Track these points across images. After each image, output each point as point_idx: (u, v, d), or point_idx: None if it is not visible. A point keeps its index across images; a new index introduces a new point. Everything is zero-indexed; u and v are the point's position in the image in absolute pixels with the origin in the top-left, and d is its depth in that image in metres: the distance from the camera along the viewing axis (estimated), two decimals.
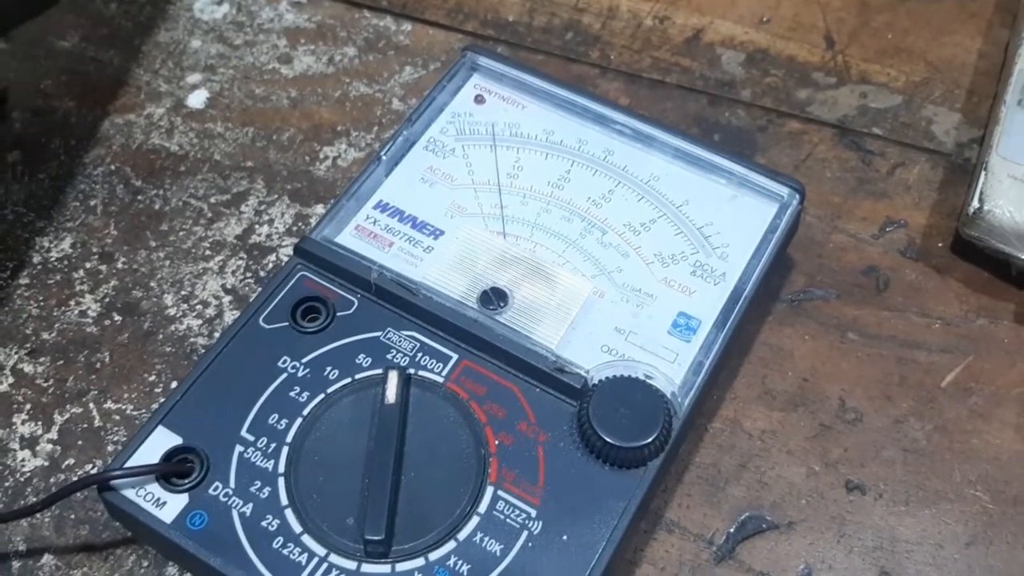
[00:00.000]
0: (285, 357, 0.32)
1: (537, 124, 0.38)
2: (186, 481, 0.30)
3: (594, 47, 0.47)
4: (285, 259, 0.40)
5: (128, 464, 0.30)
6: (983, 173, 0.39)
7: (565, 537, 0.29)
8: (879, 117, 0.45)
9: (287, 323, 0.33)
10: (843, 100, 0.45)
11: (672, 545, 0.34)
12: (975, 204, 0.38)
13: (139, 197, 0.41)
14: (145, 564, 0.33)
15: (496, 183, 0.37)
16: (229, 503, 0.29)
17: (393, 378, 0.31)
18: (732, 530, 0.34)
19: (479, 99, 0.39)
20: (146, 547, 0.33)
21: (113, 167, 0.42)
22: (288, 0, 0.48)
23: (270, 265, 0.40)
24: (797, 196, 0.36)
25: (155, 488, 0.30)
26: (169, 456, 0.30)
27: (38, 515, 0.33)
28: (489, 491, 0.30)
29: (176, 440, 0.30)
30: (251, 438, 0.30)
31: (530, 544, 0.29)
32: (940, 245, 0.41)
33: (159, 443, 0.30)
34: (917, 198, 0.42)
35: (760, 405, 0.37)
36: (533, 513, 0.30)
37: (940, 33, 0.48)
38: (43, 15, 0.47)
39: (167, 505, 0.29)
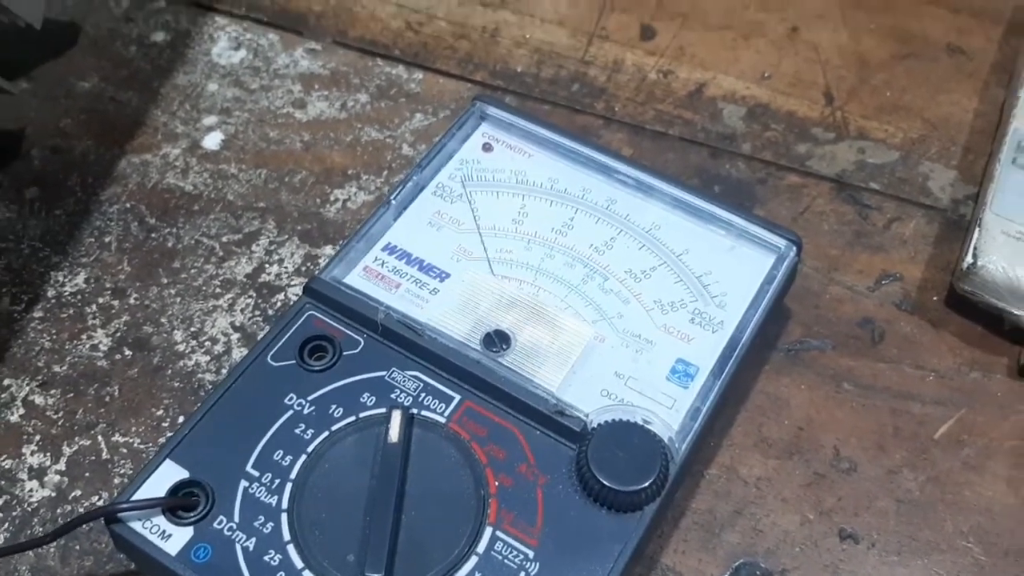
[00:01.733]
0: (291, 394, 0.33)
1: (542, 172, 0.39)
2: (191, 514, 0.30)
3: (599, 99, 0.48)
4: (293, 298, 0.40)
5: (135, 497, 0.30)
6: (977, 229, 0.40)
7: None
8: (876, 172, 0.46)
9: (294, 361, 0.34)
10: (841, 155, 0.46)
11: None
12: (969, 259, 0.39)
13: (153, 235, 0.42)
14: None
15: (501, 229, 0.38)
16: (233, 537, 0.30)
17: (396, 418, 0.32)
18: None
19: (487, 147, 0.40)
20: None
21: (128, 205, 0.43)
22: (304, 47, 0.49)
23: (278, 304, 0.40)
24: (794, 248, 0.37)
25: (161, 520, 0.30)
26: (175, 490, 0.31)
27: (43, 546, 0.34)
28: (488, 531, 0.30)
29: (183, 474, 0.31)
30: (256, 473, 0.31)
31: None
32: (935, 299, 0.42)
33: (166, 476, 0.31)
34: (913, 252, 0.43)
35: (756, 452, 0.37)
36: (531, 554, 0.30)
37: (937, 92, 0.49)
38: (65, 56, 0.49)
39: (172, 538, 0.30)
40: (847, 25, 0.52)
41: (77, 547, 0.34)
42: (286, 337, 0.34)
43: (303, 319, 0.35)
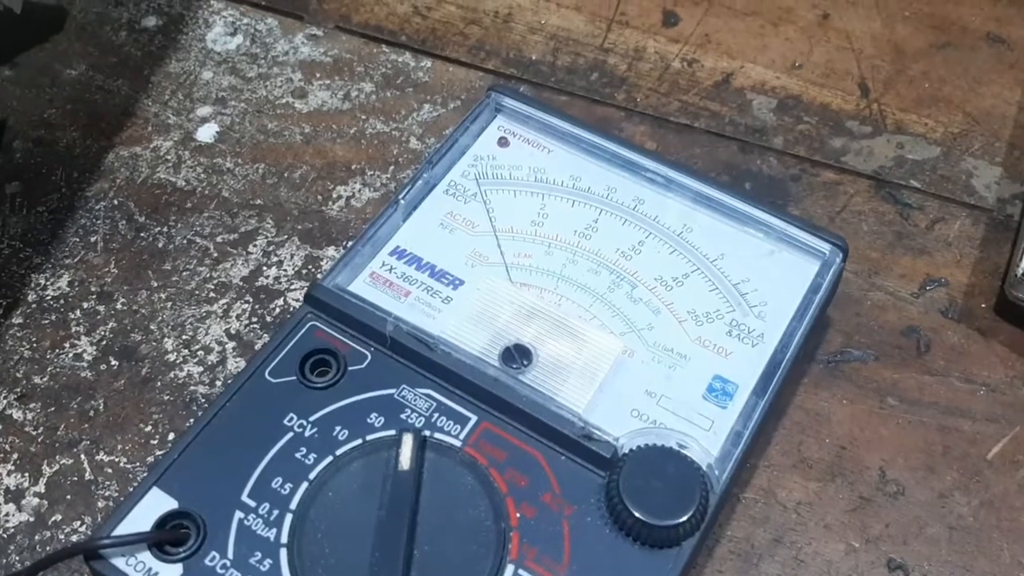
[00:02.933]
0: (291, 414, 0.30)
1: (564, 169, 0.36)
2: (181, 550, 0.27)
3: (620, 89, 0.45)
4: (294, 303, 0.38)
5: (118, 530, 0.27)
6: None
7: None
8: (917, 169, 0.43)
9: (295, 377, 0.31)
10: (879, 150, 0.43)
11: None
12: (1023, 266, 0.36)
13: (142, 234, 0.39)
14: None
15: (519, 231, 0.35)
16: (226, 575, 0.27)
17: (408, 442, 0.29)
18: None
19: (503, 142, 0.37)
20: None
21: (116, 201, 0.40)
22: (304, 33, 0.46)
23: (277, 310, 0.37)
24: (840, 253, 0.34)
25: (147, 557, 0.27)
26: (163, 522, 0.28)
27: None
28: (509, 569, 0.28)
29: (171, 504, 0.28)
30: (252, 503, 0.28)
31: None
32: (983, 306, 0.39)
33: (152, 507, 0.28)
34: (958, 255, 0.40)
35: (796, 475, 0.34)
36: None
37: (977, 83, 0.46)
38: (50, 42, 0.45)
39: None
40: (880, 12, 0.48)
41: None
42: (286, 350, 0.31)
43: (304, 330, 0.32)
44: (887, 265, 0.40)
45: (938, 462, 0.35)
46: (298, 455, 0.29)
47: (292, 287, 0.38)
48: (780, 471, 0.34)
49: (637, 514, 0.28)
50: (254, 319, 0.37)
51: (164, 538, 0.27)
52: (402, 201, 0.35)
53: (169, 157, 0.42)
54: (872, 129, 0.44)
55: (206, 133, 0.43)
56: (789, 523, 0.33)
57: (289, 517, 0.28)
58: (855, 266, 0.39)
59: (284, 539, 0.28)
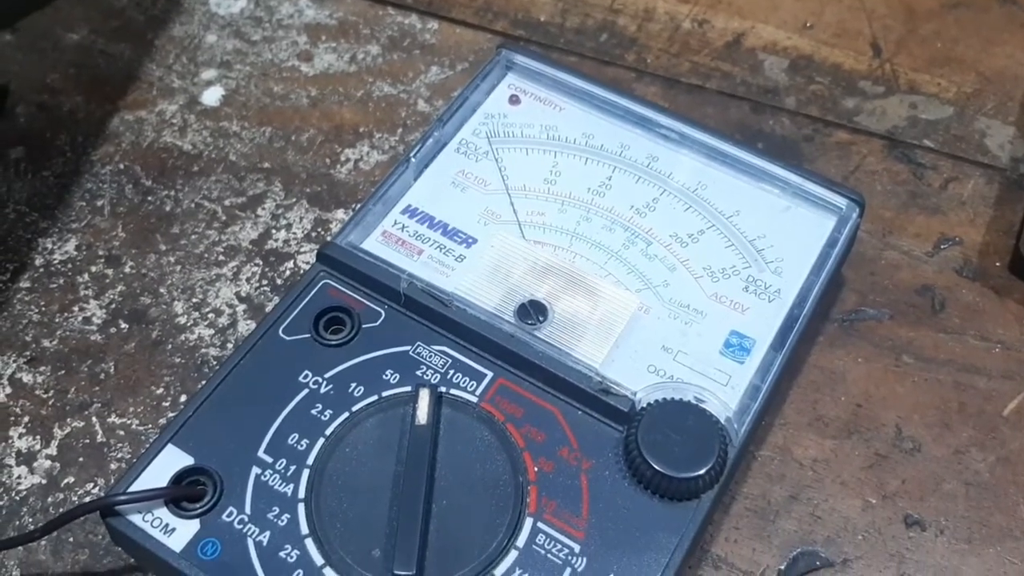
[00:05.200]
0: (306, 371, 0.30)
1: (576, 127, 0.36)
2: (197, 506, 0.27)
3: (630, 50, 0.44)
4: (303, 266, 0.37)
5: (134, 487, 0.27)
6: None
7: (612, 575, 0.27)
8: (930, 129, 0.42)
9: (309, 335, 0.30)
10: (892, 110, 0.43)
11: None
12: None
13: (149, 198, 0.39)
14: None
15: (532, 189, 0.34)
16: (244, 531, 0.27)
17: (424, 397, 0.28)
18: (783, 567, 0.31)
19: (514, 99, 0.37)
20: (150, 575, 0.31)
21: (122, 166, 0.40)
22: None
23: (287, 272, 0.37)
24: (857, 208, 0.34)
25: (163, 513, 0.27)
26: (179, 478, 0.28)
27: (33, 542, 0.31)
28: (528, 523, 0.27)
29: (187, 460, 0.28)
30: (269, 459, 0.28)
31: None
32: (998, 264, 0.39)
33: (168, 464, 0.28)
34: (972, 214, 0.40)
35: (811, 432, 0.34)
36: (577, 548, 0.27)
37: (990, 43, 0.46)
38: (51, 6, 0.45)
39: (176, 532, 0.27)
40: None
41: (71, 539, 0.31)
42: (299, 308, 0.31)
43: (317, 288, 0.31)
44: (901, 224, 0.40)
45: (954, 419, 0.35)
46: (314, 411, 0.29)
47: (301, 250, 0.38)
48: (796, 429, 0.34)
49: (656, 466, 0.27)
50: (264, 282, 0.37)
51: (181, 494, 0.27)
52: (413, 160, 0.34)
53: (175, 121, 0.41)
54: (885, 89, 0.44)
55: (211, 97, 0.42)
56: (805, 480, 0.33)
57: (306, 473, 0.28)
58: (869, 226, 0.39)
59: (302, 494, 0.27)
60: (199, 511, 0.27)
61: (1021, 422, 0.35)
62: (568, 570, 0.27)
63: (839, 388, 0.35)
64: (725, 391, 0.30)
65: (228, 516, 0.27)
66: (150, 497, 0.27)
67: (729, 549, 0.32)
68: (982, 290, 0.38)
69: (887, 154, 0.42)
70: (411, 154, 0.35)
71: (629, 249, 0.33)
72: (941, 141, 0.42)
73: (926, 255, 0.39)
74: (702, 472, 0.28)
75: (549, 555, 0.27)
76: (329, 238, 0.33)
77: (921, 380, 0.36)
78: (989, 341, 0.37)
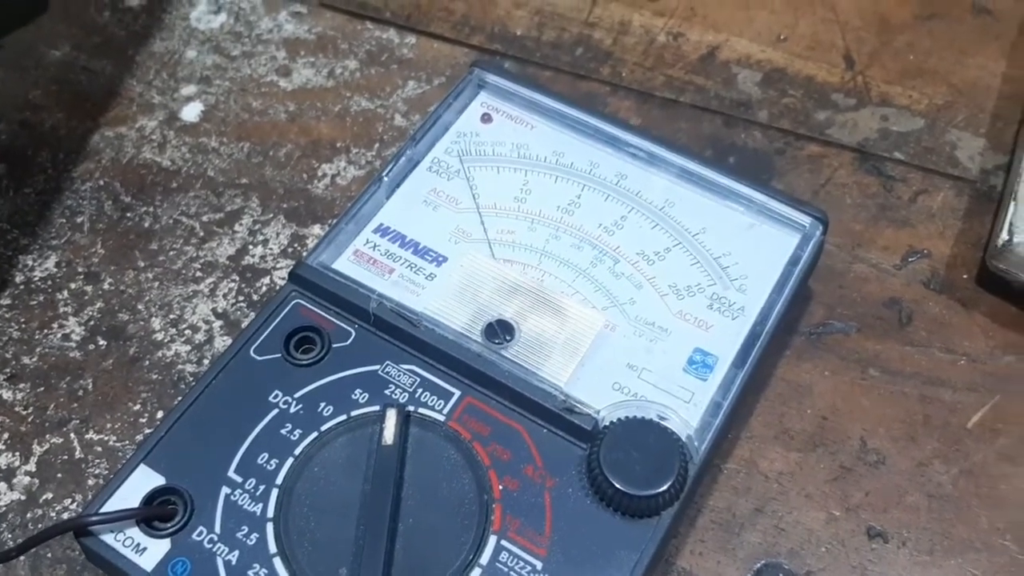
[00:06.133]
0: (277, 391, 0.30)
1: (547, 145, 0.36)
2: (168, 525, 0.28)
3: (605, 64, 0.45)
4: (280, 282, 0.38)
5: (107, 507, 0.28)
6: (1012, 203, 0.37)
7: None
8: (901, 141, 0.43)
9: (280, 354, 0.31)
10: (864, 123, 0.43)
11: None
12: (1004, 236, 0.37)
13: (128, 214, 0.40)
14: None
15: (502, 208, 0.35)
16: (214, 550, 0.27)
17: (392, 417, 0.29)
18: None
19: (486, 118, 0.37)
20: None
21: (102, 182, 0.40)
22: (288, 10, 0.46)
23: (263, 288, 0.38)
24: (820, 226, 0.34)
25: (135, 533, 0.28)
26: (151, 498, 0.28)
27: (9, 561, 0.31)
28: (492, 540, 0.28)
29: (158, 480, 0.28)
30: (239, 479, 0.29)
31: None
32: (965, 277, 0.39)
33: (140, 484, 0.28)
34: (941, 227, 0.41)
35: (777, 445, 0.35)
36: (539, 565, 0.28)
37: (963, 55, 0.46)
38: (34, 23, 0.45)
39: (148, 551, 0.27)
40: None
41: (49, 555, 0.32)
42: (271, 328, 0.32)
43: (289, 308, 0.32)
44: (870, 237, 0.40)
45: (919, 431, 0.35)
46: (283, 431, 0.29)
47: (278, 265, 0.38)
48: (762, 442, 0.35)
49: (617, 485, 0.28)
50: (240, 298, 0.37)
51: (152, 514, 0.28)
52: (385, 178, 0.35)
53: (154, 137, 0.42)
54: (857, 101, 0.44)
55: (191, 112, 0.43)
56: (771, 493, 0.34)
57: (275, 492, 0.28)
58: (838, 239, 0.40)
59: (270, 514, 0.28)
60: (170, 531, 0.28)
61: (985, 435, 0.35)
62: None
63: (805, 401, 0.36)
64: (688, 408, 0.30)
65: (198, 535, 0.28)
66: (122, 518, 0.27)
67: (694, 562, 0.32)
68: (949, 303, 0.39)
69: (858, 167, 0.42)
70: (383, 173, 0.35)
71: (597, 267, 0.33)
72: (912, 153, 0.43)
73: (894, 268, 0.39)
74: (662, 489, 0.28)
75: (512, 572, 0.27)
76: (304, 254, 0.34)
77: (887, 393, 0.36)
78: (955, 354, 0.37)
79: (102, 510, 0.28)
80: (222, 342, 0.36)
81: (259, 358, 0.31)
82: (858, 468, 0.34)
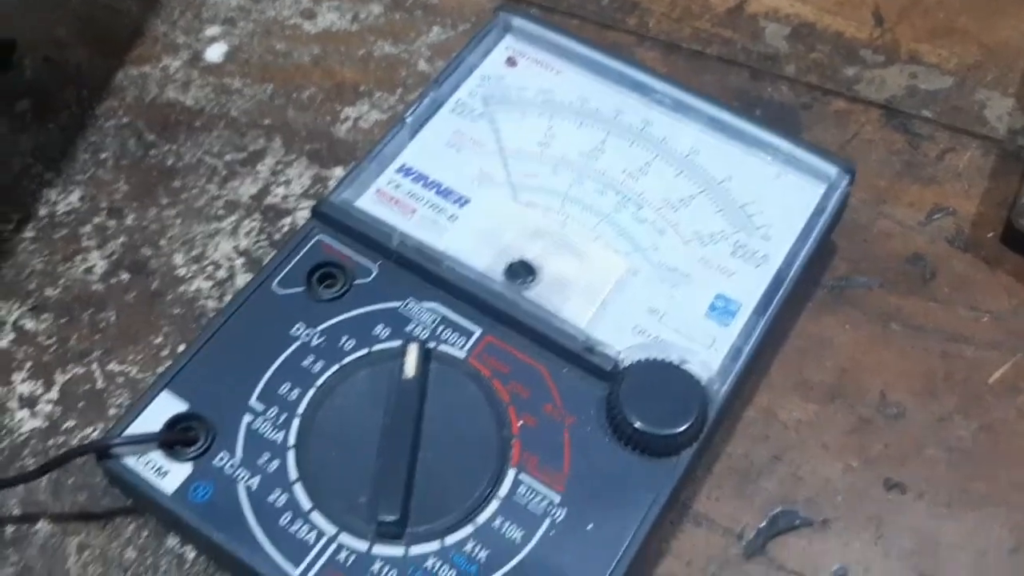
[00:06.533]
0: (299, 324, 0.30)
1: (572, 90, 0.36)
2: (190, 450, 0.28)
3: (631, 14, 0.44)
4: (301, 222, 0.38)
5: (130, 430, 0.28)
6: None
7: (590, 527, 0.27)
8: (929, 99, 0.42)
9: (302, 288, 0.31)
10: (892, 80, 0.43)
11: (699, 538, 0.32)
12: None
13: (152, 152, 0.40)
14: (145, 534, 0.31)
15: (526, 151, 0.35)
16: (235, 475, 0.28)
17: (413, 351, 0.29)
18: (763, 525, 0.32)
19: (511, 62, 0.37)
20: (146, 516, 0.32)
21: (126, 120, 0.40)
22: None
23: (285, 228, 0.38)
24: (847, 177, 0.34)
25: (157, 456, 0.28)
26: (173, 423, 0.28)
27: (31, 481, 0.32)
28: (510, 474, 0.28)
29: (181, 406, 0.29)
30: (261, 407, 0.29)
31: (552, 532, 0.27)
32: (990, 235, 0.39)
33: (163, 409, 0.29)
34: (967, 185, 0.40)
35: (796, 395, 0.35)
36: (557, 499, 0.28)
37: (993, 15, 0.45)
38: None
39: (169, 475, 0.28)
40: None
41: (70, 481, 0.32)
42: (293, 263, 0.32)
43: (311, 244, 0.32)
44: (895, 194, 0.40)
45: (939, 386, 0.35)
46: (305, 363, 0.30)
47: (300, 206, 0.38)
48: (781, 392, 0.35)
49: (637, 423, 0.28)
50: (262, 236, 0.37)
51: (174, 438, 0.28)
52: (408, 119, 0.35)
53: (178, 76, 0.42)
54: (885, 59, 0.44)
55: (215, 53, 0.43)
56: (788, 442, 0.34)
57: (297, 421, 0.29)
58: (863, 194, 0.39)
59: (292, 442, 0.28)
60: (192, 455, 0.28)
61: (1006, 391, 0.35)
62: (547, 520, 0.27)
63: (826, 353, 0.36)
64: (708, 353, 0.30)
65: (219, 461, 0.28)
66: (144, 440, 0.28)
67: (711, 506, 0.32)
68: (973, 261, 0.38)
69: (884, 123, 0.42)
70: (407, 114, 0.35)
71: (620, 212, 0.33)
72: (939, 112, 0.42)
73: (919, 225, 0.39)
74: (682, 430, 0.28)
75: (529, 505, 0.28)
76: (326, 194, 0.34)
77: (908, 348, 0.36)
78: (978, 311, 0.37)
79: (125, 433, 0.28)
80: (244, 279, 0.36)
81: (281, 291, 0.31)
82: (877, 421, 0.34)
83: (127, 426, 0.28)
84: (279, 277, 0.31)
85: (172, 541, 0.31)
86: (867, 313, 0.37)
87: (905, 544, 0.32)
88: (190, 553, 0.31)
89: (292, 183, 0.39)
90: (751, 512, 0.32)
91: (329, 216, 0.32)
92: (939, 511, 0.33)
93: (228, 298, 0.36)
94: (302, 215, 0.38)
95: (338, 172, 0.39)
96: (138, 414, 0.28)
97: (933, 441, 0.34)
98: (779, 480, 0.33)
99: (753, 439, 0.34)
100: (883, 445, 0.34)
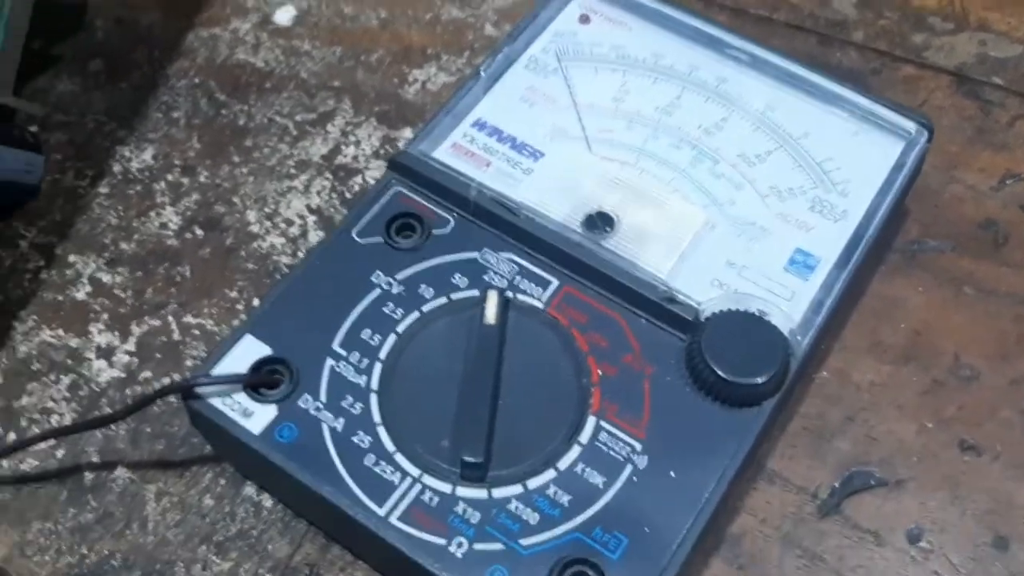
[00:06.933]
0: (378, 272, 0.31)
1: (645, 47, 0.36)
2: (274, 392, 0.28)
3: None
4: (372, 181, 0.38)
5: (215, 372, 0.28)
6: None
7: (672, 474, 0.27)
8: (999, 67, 0.42)
9: (381, 238, 0.31)
10: (961, 47, 0.42)
11: (774, 496, 0.32)
12: None
13: (223, 112, 0.40)
14: (222, 482, 0.32)
15: (600, 107, 0.34)
16: (319, 417, 0.28)
17: (493, 298, 0.29)
18: (838, 484, 0.32)
19: (584, 18, 0.37)
20: (223, 465, 0.32)
21: (197, 80, 0.41)
22: None
23: (356, 187, 0.38)
24: (925, 133, 0.34)
25: (242, 398, 0.28)
26: (257, 367, 0.29)
27: (113, 427, 0.32)
28: (591, 421, 0.28)
29: (265, 350, 0.29)
30: (343, 352, 0.29)
31: (635, 479, 0.27)
32: None
33: (247, 352, 0.29)
34: None
35: (869, 357, 0.34)
36: (638, 447, 0.28)
37: None
38: None
39: (255, 416, 0.28)
40: None
41: (148, 429, 0.33)
42: (372, 213, 0.32)
43: (389, 195, 0.32)
44: (966, 159, 0.39)
45: (1012, 350, 0.35)
46: (386, 310, 0.30)
47: (370, 166, 0.39)
48: (854, 353, 0.34)
49: (720, 372, 0.28)
50: (334, 195, 0.38)
51: (259, 380, 0.28)
52: (483, 74, 0.35)
53: (248, 39, 0.42)
54: (954, 26, 0.43)
55: (284, 16, 0.43)
56: (862, 403, 0.34)
57: (379, 366, 0.29)
58: (934, 159, 0.39)
59: (375, 386, 0.28)
60: (277, 397, 0.28)
61: None
62: (629, 467, 0.27)
63: (898, 316, 0.35)
64: (789, 305, 0.30)
65: (304, 403, 0.28)
66: (230, 381, 0.28)
67: (784, 465, 0.32)
68: None
69: (954, 90, 0.41)
70: (481, 68, 0.35)
71: (696, 167, 0.33)
72: (1010, 79, 0.42)
73: (991, 190, 0.39)
74: (764, 379, 0.28)
75: (611, 452, 0.28)
76: (403, 147, 0.34)
77: (981, 311, 0.36)
78: None
79: (211, 373, 0.28)
80: (316, 236, 0.37)
81: (361, 240, 0.31)
82: (951, 383, 0.34)
83: (212, 367, 0.29)
84: (359, 226, 0.31)
85: (249, 489, 0.32)
86: (939, 277, 0.36)
87: (981, 505, 0.32)
88: (267, 501, 0.31)
89: (362, 143, 0.39)
90: (825, 471, 0.32)
91: (406, 167, 0.32)
92: (1015, 473, 0.32)
93: (301, 254, 0.36)
94: (372, 175, 0.38)
95: (407, 134, 0.39)
96: (222, 356, 0.29)
97: (1007, 403, 0.34)
98: (853, 441, 0.33)
99: (826, 400, 0.34)
100: (957, 407, 0.34)
